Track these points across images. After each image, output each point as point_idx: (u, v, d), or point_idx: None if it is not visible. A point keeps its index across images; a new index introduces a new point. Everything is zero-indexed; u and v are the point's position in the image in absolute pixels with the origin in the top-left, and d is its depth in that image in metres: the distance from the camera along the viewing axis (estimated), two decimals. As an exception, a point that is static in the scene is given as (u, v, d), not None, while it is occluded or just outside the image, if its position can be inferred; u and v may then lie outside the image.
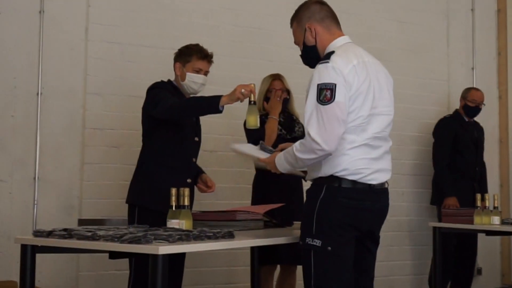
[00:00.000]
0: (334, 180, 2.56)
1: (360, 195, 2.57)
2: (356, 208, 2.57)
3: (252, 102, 2.97)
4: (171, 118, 3.42)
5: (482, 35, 6.14)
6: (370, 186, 2.59)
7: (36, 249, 2.50)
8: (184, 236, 2.37)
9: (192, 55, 3.58)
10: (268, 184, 3.98)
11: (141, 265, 3.29)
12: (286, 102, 4.11)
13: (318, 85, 2.50)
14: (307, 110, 2.52)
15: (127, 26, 4.64)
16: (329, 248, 2.52)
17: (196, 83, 3.58)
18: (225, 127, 4.92)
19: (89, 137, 4.48)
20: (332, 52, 2.58)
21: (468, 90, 5.44)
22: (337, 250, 2.53)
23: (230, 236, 2.56)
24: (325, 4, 2.77)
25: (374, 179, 2.59)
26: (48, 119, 4.35)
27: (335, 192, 2.56)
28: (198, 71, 3.58)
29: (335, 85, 2.47)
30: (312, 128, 2.47)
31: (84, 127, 4.46)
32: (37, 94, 4.32)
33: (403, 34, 5.74)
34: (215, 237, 2.50)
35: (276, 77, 4.14)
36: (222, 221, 3.20)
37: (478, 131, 5.49)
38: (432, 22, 5.94)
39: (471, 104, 5.33)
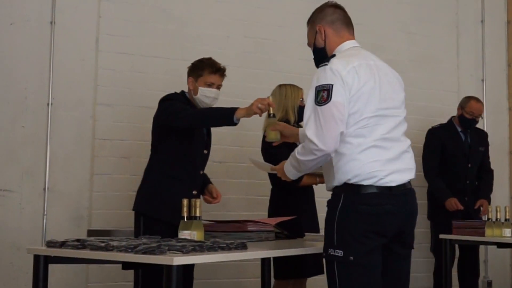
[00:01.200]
0: (350, 187, 2.51)
1: (379, 199, 2.49)
2: (377, 214, 2.49)
3: (271, 115, 2.97)
4: (192, 127, 3.45)
5: (492, 47, 6.14)
6: (388, 188, 2.50)
7: (49, 259, 2.50)
8: (198, 247, 2.37)
9: (204, 69, 3.62)
10: (284, 197, 3.95)
11: (149, 277, 3.30)
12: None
13: (316, 87, 2.50)
14: (306, 112, 2.51)
15: (138, 37, 4.66)
16: (351, 258, 2.46)
17: (208, 97, 3.61)
18: (234, 138, 4.93)
19: (98, 147, 4.49)
20: (334, 55, 2.59)
21: (467, 100, 5.14)
22: (360, 260, 2.46)
23: (243, 247, 2.56)
24: (339, 8, 2.78)
25: (393, 181, 2.51)
26: (58, 129, 4.37)
27: (353, 199, 2.50)
28: (210, 85, 3.61)
29: (332, 85, 2.46)
30: (309, 129, 2.46)
31: (94, 137, 4.48)
32: (48, 104, 4.34)
33: (413, 46, 5.75)
34: (228, 248, 2.49)
35: (301, 89, 4.08)
36: (233, 232, 3.21)
37: (477, 141, 5.20)
38: (442, 33, 5.95)
39: (467, 116, 5.08)
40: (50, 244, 2.53)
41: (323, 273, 4.01)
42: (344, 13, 2.76)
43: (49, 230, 4.25)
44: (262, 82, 4.82)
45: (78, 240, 2.49)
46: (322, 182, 3.92)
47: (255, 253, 2.73)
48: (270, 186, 4.06)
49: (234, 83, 4.95)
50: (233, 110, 3.17)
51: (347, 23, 2.74)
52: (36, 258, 2.50)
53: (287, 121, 3.97)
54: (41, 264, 2.49)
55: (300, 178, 3.86)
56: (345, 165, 2.51)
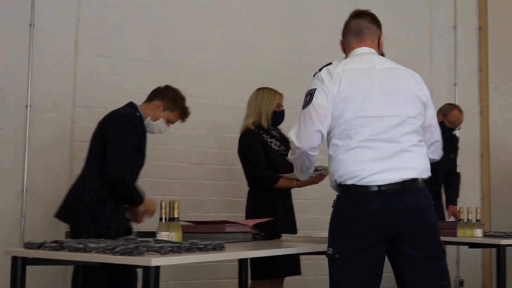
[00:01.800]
0: (341, 188, 2.56)
1: (362, 199, 2.50)
2: (361, 213, 2.50)
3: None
4: (120, 184, 3.44)
5: (464, 52, 6.23)
6: (371, 187, 2.49)
7: (27, 261, 2.47)
8: (176, 248, 2.37)
9: (177, 110, 3.65)
10: (261, 199, 3.96)
11: (90, 278, 3.30)
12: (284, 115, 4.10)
13: (305, 93, 2.64)
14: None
15: (117, 40, 4.64)
16: (337, 256, 2.51)
17: (160, 131, 3.69)
18: (212, 140, 4.93)
19: (77, 149, 4.45)
20: (327, 64, 2.68)
21: (450, 108, 5.12)
22: (347, 259, 2.50)
23: (220, 248, 2.56)
24: (355, 17, 2.83)
25: (378, 180, 2.49)
26: (36, 131, 4.32)
27: (341, 199, 2.57)
28: (169, 122, 3.67)
29: (315, 89, 2.60)
30: (292, 130, 2.64)
31: (72, 140, 4.44)
32: (26, 106, 4.30)
33: (388, 50, 5.72)
34: (206, 249, 2.49)
35: (280, 92, 4.06)
36: (211, 233, 3.21)
37: (448, 148, 5.09)
38: (416, 39, 6.01)
39: (448, 124, 5.03)
40: (28, 245, 2.51)
41: (299, 273, 4.03)
42: (357, 23, 2.81)
43: (28, 232, 4.20)
44: (240, 86, 4.83)
45: (56, 242, 2.47)
46: (299, 186, 3.95)
47: (232, 254, 2.73)
48: (247, 188, 4.07)
49: (212, 86, 4.97)
50: (141, 200, 3.48)
51: (357, 32, 2.79)
52: (14, 259, 2.47)
53: (259, 125, 3.98)
54: (19, 266, 2.46)
55: (275, 180, 3.88)
56: (332, 166, 2.60)
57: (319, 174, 3.82)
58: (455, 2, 6.22)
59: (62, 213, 3.55)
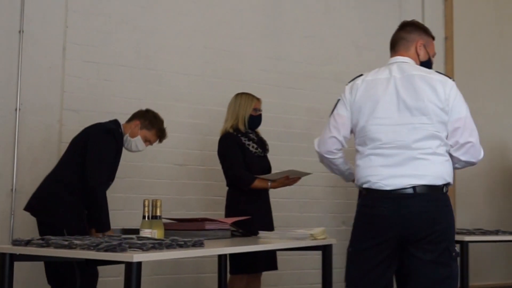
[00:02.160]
0: (359, 190, 2.72)
1: (372, 201, 2.58)
2: (372, 215, 2.57)
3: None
4: (95, 200, 3.47)
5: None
6: (382, 191, 2.53)
7: (15, 257, 2.46)
8: (157, 245, 2.37)
9: (154, 129, 3.70)
10: (239, 198, 3.96)
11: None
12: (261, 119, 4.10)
13: None
14: None
15: (103, 46, 4.61)
16: (350, 249, 2.67)
17: (137, 148, 3.72)
18: (194, 142, 4.92)
19: (64, 151, 4.42)
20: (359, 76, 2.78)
21: None
22: (356, 254, 2.63)
23: (200, 244, 2.57)
24: (398, 29, 2.89)
25: (388, 185, 2.53)
26: (25, 133, 4.28)
27: (359, 200, 2.72)
28: (146, 141, 3.71)
29: (338, 100, 2.77)
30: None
31: (60, 141, 4.40)
32: (16, 109, 4.25)
33: (361, 58, 5.83)
34: (186, 246, 2.50)
35: (258, 97, 4.06)
36: (192, 231, 3.21)
37: None
38: (386, 47, 6.01)
39: None
40: (16, 242, 2.50)
41: (276, 268, 4.04)
42: (395, 35, 2.88)
43: (17, 229, 4.15)
44: (221, 91, 4.83)
45: (42, 239, 2.46)
46: (274, 187, 3.97)
47: (211, 250, 2.74)
48: (226, 188, 4.07)
49: (195, 91, 4.96)
50: (108, 227, 3.45)
51: (394, 43, 2.85)
52: (2, 256, 2.46)
53: (237, 129, 3.99)
54: (7, 262, 2.45)
55: (251, 181, 3.89)
56: (355, 170, 2.72)
57: (286, 177, 3.89)
58: (423, 14, 6.27)
59: (37, 208, 3.56)
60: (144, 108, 3.89)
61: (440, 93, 2.60)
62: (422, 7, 6.26)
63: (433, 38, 2.90)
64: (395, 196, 2.52)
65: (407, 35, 2.82)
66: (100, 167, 3.48)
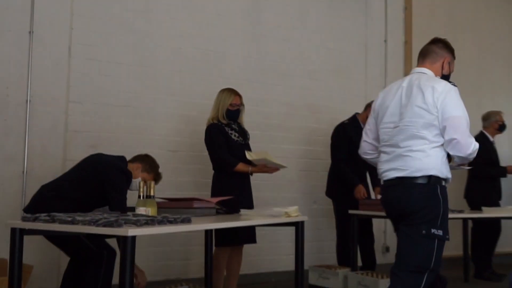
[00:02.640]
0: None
1: (382, 190, 2.86)
2: (381, 199, 2.86)
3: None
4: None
5: (393, 62, 6.30)
6: (383, 181, 2.81)
7: (24, 231, 2.44)
8: (150, 221, 2.36)
9: (152, 173, 3.58)
10: (224, 180, 3.95)
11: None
12: (239, 113, 4.07)
13: None
14: None
15: (104, 46, 4.56)
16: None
17: (137, 188, 3.44)
18: (185, 131, 4.90)
19: (70, 138, 4.38)
20: None
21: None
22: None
23: (187, 221, 2.56)
24: (429, 43, 2.92)
25: (384, 177, 2.78)
26: (35, 122, 4.23)
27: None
28: (144, 180, 3.51)
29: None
30: None
31: (66, 130, 4.36)
32: (26, 101, 4.20)
33: (330, 59, 5.84)
34: (175, 222, 2.49)
35: (237, 93, 4.01)
36: (182, 209, 3.20)
37: None
38: (354, 49, 6.06)
39: None
40: (25, 218, 2.47)
41: (255, 242, 4.05)
42: (427, 47, 2.90)
43: (27, 207, 4.11)
44: (208, 86, 4.80)
45: (48, 215, 2.44)
46: (254, 172, 3.97)
47: (199, 226, 2.73)
48: (213, 171, 4.06)
49: (185, 87, 4.93)
50: None
51: (424, 54, 2.89)
52: (13, 230, 2.44)
53: (219, 120, 3.98)
54: (17, 235, 2.45)
55: (234, 164, 3.88)
56: None
57: (264, 165, 3.93)
58: (386, 21, 6.29)
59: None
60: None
61: (427, 97, 2.64)
62: (385, 15, 6.28)
63: (455, 58, 2.96)
64: (386, 185, 2.77)
65: (439, 50, 2.87)
66: (122, 204, 3.30)
